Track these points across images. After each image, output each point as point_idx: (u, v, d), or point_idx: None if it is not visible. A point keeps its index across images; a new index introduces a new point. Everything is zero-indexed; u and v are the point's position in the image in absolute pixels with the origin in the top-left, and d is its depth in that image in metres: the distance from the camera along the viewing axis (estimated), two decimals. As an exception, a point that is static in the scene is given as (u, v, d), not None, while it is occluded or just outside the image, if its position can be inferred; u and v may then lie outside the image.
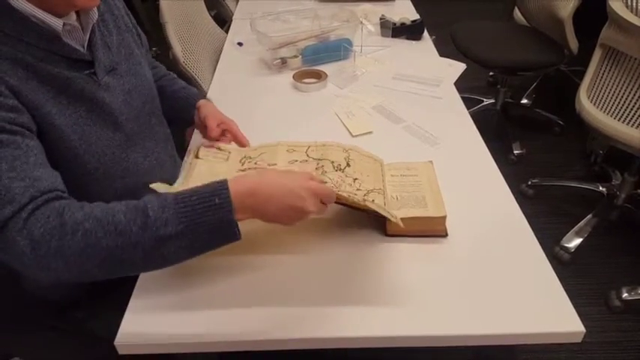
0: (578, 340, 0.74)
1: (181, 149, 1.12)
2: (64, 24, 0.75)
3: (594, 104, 1.58)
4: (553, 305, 0.75)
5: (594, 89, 1.58)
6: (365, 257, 0.83)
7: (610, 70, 1.53)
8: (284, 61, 1.45)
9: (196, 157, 0.93)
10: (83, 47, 0.80)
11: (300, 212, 0.68)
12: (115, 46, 0.87)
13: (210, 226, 0.62)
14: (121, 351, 0.72)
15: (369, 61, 1.49)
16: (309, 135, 0.98)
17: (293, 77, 1.37)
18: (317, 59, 1.46)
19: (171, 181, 0.83)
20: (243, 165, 0.93)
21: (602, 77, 1.56)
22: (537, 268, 0.81)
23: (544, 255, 0.83)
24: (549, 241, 1.73)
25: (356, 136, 1.14)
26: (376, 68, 1.46)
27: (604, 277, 1.65)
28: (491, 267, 0.81)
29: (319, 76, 1.39)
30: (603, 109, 1.55)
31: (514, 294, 0.77)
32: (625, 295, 1.55)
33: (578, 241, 1.73)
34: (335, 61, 1.48)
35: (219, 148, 0.96)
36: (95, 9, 0.81)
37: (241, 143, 0.97)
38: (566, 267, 1.69)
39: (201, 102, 1.06)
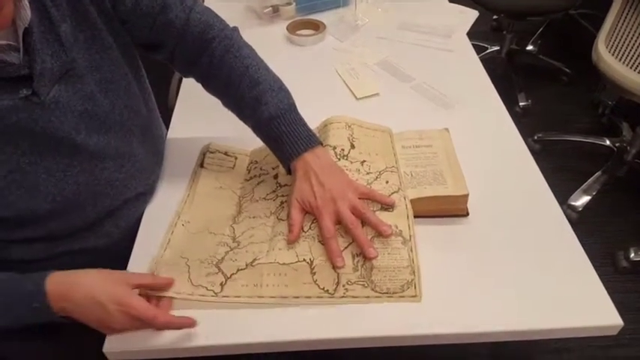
0: (614, 333, 0.68)
1: (166, 115, 1.00)
2: None
3: (613, 55, 1.46)
4: (587, 295, 0.68)
5: (614, 38, 1.46)
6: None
7: (632, 18, 1.40)
8: (276, 10, 1.29)
9: (201, 165, 0.85)
10: (19, 52, 0.60)
11: (105, 326, 0.61)
12: (70, 34, 0.65)
13: (33, 321, 0.62)
14: (111, 358, 0.64)
15: (371, 8, 1.34)
16: (307, 98, 0.86)
17: (287, 29, 1.23)
18: (313, 7, 1.31)
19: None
20: (249, 172, 0.84)
21: (623, 25, 1.43)
22: (568, 253, 0.74)
23: (575, 237, 0.76)
24: (556, 199, 1.66)
25: (360, 98, 1.03)
26: (380, 17, 1.31)
27: (612, 237, 1.60)
28: (518, 251, 0.73)
29: (316, 27, 1.24)
30: (623, 61, 1.43)
31: (543, 281, 0.69)
32: (632, 255, 1.51)
33: (586, 199, 1.67)
34: (333, 9, 1.33)
35: (226, 153, 0.86)
36: (26, 3, 0.58)
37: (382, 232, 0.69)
38: (573, 227, 1.63)
39: (301, 163, 0.73)
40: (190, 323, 0.62)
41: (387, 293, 0.66)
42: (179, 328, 0.62)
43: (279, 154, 0.76)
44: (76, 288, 0.60)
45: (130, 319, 0.60)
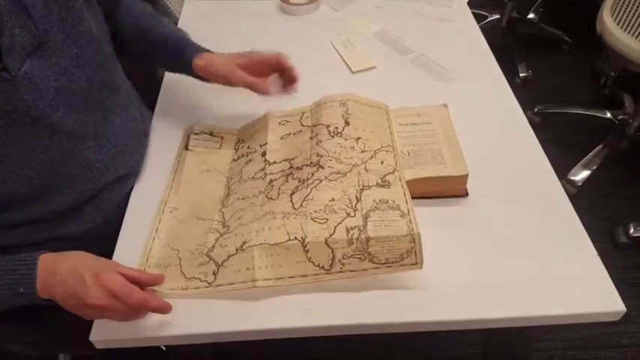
0: (616, 319, 0.66)
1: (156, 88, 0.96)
2: None
3: (619, 25, 1.40)
4: (588, 279, 0.66)
5: (620, 8, 1.40)
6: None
7: (641, -16, 1.34)
8: (268, -23, 1.23)
9: (186, 148, 0.81)
10: None
11: (80, 302, 0.57)
12: (41, 6, 0.61)
13: (14, 305, 0.61)
14: (98, 346, 0.62)
15: (367, -25, 1.28)
16: (300, 71, 0.82)
17: (279, -3, 1.17)
18: (307, -26, 1.24)
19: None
20: (237, 152, 0.81)
21: (630, -8, 1.37)
22: (569, 233, 0.72)
23: (576, 215, 0.74)
24: (556, 174, 1.64)
25: (356, 72, 0.98)
26: (376, -16, 1.25)
27: (611, 213, 1.58)
28: (517, 232, 0.71)
29: (310, -6, 1.18)
30: (629, 31, 1.37)
31: (543, 265, 0.67)
32: (632, 231, 1.50)
33: (585, 173, 1.64)
34: (328, -24, 1.26)
35: (211, 134, 0.83)
36: None
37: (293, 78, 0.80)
38: (572, 202, 1.62)
39: (201, 60, 0.80)
40: (167, 308, 0.59)
41: (385, 264, 0.63)
42: (155, 310, 0.59)
43: (184, 61, 0.81)
44: (62, 265, 0.59)
45: (105, 294, 0.56)
